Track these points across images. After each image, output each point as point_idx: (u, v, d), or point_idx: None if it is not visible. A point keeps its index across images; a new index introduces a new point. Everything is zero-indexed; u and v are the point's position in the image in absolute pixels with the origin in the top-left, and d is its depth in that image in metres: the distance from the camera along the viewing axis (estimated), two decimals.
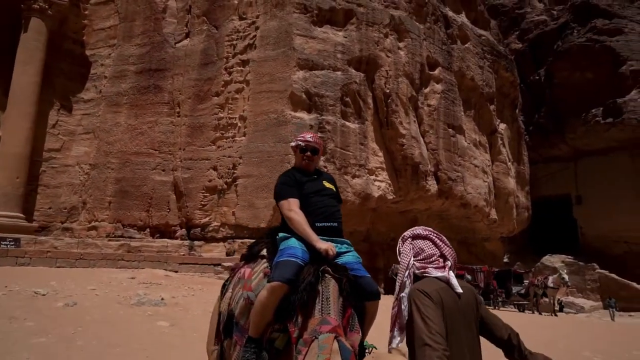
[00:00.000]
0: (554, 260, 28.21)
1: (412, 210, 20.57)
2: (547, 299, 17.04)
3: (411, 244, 2.18)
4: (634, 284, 24.77)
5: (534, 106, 33.74)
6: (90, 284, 10.28)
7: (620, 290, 23.83)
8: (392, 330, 2.08)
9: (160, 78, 18.53)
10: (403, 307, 2.03)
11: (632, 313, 22.16)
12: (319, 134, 15.61)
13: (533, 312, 16.86)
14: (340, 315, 2.27)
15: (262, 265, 2.70)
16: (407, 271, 2.10)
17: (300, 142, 2.82)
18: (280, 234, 2.71)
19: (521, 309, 17.67)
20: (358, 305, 2.41)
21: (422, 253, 2.12)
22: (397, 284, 2.12)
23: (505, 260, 29.51)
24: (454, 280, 2.05)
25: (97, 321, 7.25)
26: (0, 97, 17.37)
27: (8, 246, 14.01)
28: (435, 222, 22.40)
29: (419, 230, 2.21)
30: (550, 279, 17.51)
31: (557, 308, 18.01)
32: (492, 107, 23.26)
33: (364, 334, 2.47)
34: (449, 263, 2.11)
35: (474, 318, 2.07)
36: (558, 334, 10.52)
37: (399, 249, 2.23)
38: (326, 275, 2.39)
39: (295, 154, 2.90)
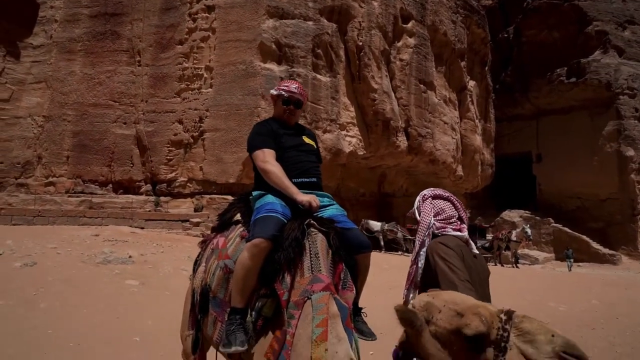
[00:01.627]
0: (512, 215, 29.33)
1: (381, 166, 20.64)
2: (508, 252, 17.76)
3: (432, 203, 2.19)
4: (584, 237, 26.21)
5: (501, 65, 33.95)
6: (50, 243, 9.76)
7: (572, 242, 25.17)
8: (407, 288, 2.12)
9: (117, 23, 17.19)
10: (420, 264, 2.05)
11: (580, 264, 23.55)
12: None
13: (495, 264, 17.57)
14: (331, 272, 2.08)
15: (238, 230, 2.43)
16: (428, 230, 2.10)
17: (283, 92, 2.51)
18: (255, 193, 2.44)
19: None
20: (348, 260, 2.20)
21: (442, 213, 2.15)
22: (417, 242, 2.11)
23: (468, 215, 30.47)
24: (471, 241, 2.14)
25: (60, 281, 6.87)
26: None
27: None
28: (403, 177, 22.67)
29: (439, 191, 2.24)
30: (514, 233, 18.21)
31: (514, 260, 18.84)
32: (462, 63, 23.15)
33: (358, 291, 2.28)
34: (465, 226, 2.17)
35: (486, 279, 2.17)
36: (522, 285, 10.96)
37: (418, 206, 2.22)
38: (312, 229, 2.17)
39: (275, 104, 2.59)
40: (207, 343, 2.49)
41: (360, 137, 17.47)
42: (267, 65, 15.07)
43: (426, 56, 19.84)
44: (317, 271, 2.01)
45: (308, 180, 2.43)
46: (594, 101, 29.26)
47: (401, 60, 18.90)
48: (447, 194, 2.23)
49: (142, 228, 13.99)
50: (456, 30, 22.14)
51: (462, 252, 2.00)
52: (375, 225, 17.40)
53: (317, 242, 2.12)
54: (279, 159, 2.39)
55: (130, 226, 13.85)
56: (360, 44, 17.10)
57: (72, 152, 16.91)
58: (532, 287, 10.77)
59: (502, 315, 1.39)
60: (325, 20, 16.32)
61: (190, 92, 16.09)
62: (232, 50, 15.46)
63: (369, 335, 2.27)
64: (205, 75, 15.98)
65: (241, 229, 2.41)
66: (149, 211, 15.41)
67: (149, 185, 16.48)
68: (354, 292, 2.15)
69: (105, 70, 17.03)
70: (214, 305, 2.28)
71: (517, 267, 17.14)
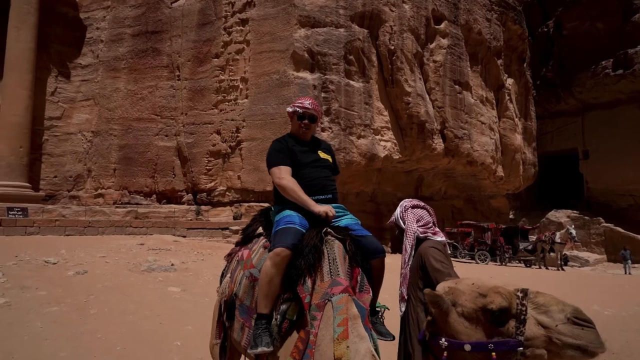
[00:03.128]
0: (559, 215, 28.22)
1: (417, 170, 20.44)
2: (553, 254, 17.13)
3: (412, 212, 2.54)
4: (639, 237, 24.85)
5: (541, 60, 32.85)
6: (99, 252, 10.34)
7: (626, 243, 23.89)
8: (401, 286, 2.43)
9: (158, 40, 18.02)
10: (410, 265, 2.41)
11: (635, 265, 22.32)
12: (323, 94, 15.30)
13: (540, 267, 16.99)
14: (348, 276, 2.21)
15: (261, 241, 2.60)
16: (414, 235, 2.47)
17: (297, 109, 2.62)
18: (274, 207, 2.61)
19: (528, 264, 17.80)
20: (364, 265, 2.34)
21: (421, 220, 2.52)
22: (408, 246, 2.45)
23: (511, 216, 29.59)
24: (447, 245, 2.55)
25: (109, 288, 7.29)
26: None
27: (16, 216, 14.07)
28: (440, 180, 22.33)
29: (415, 201, 2.61)
30: (558, 234, 17.54)
31: (561, 262, 18.14)
32: (499, 61, 22.61)
33: (375, 294, 2.41)
34: (438, 230, 2.54)
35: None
36: (566, 288, 10.59)
37: (401, 216, 2.56)
38: (329, 237, 2.31)
39: (291, 120, 2.69)
40: (235, 352, 2.65)
41: (395, 141, 17.40)
42: (300, 74, 15.33)
43: (460, 56, 19.54)
44: (336, 275, 2.14)
45: (324, 197, 2.55)
46: None
47: (435, 61, 18.71)
48: (422, 204, 2.58)
49: (184, 237, 14.52)
50: (491, 28, 21.67)
51: (445, 252, 2.39)
52: None
53: (335, 248, 2.25)
54: (295, 175, 2.50)
55: (173, 235, 14.41)
56: (392, 47, 17.07)
57: (119, 165, 17.83)
58: (577, 289, 10.38)
59: (518, 293, 1.60)
60: (356, 27, 16.42)
61: (227, 103, 16.59)
62: (266, 61, 15.84)
63: (387, 335, 2.37)
64: (240, 86, 16.44)
65: (264, 240, 2.58)
66: (191, 220, 15.98)
67: (190, 194, 17.09)
68: (371, 294, 2.27)
69: (147, 86, 17.87)
70: (241, 312, 2.44)
71: (562, 269, 16.49)
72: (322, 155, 2.65)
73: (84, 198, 18.07)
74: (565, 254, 19.37)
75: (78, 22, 19.01)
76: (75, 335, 5.14)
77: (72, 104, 18.74)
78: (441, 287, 1.72)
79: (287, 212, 2.44)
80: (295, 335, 2.09)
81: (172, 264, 9.35)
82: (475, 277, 1.73)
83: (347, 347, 1.86)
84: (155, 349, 4.91)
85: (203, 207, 16.52)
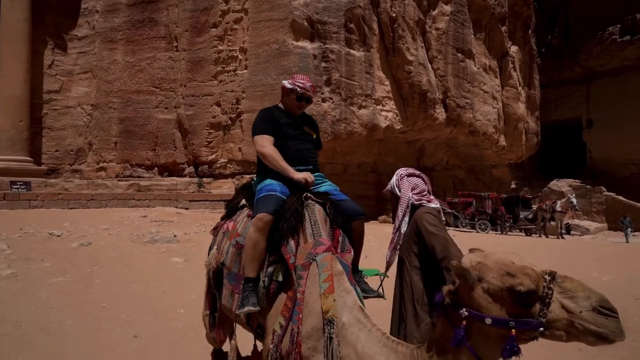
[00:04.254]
0: (561, 184, 28.23)
1: (419, 140, 20.34)
2: (554, 223, 17.23)
3: (407, 180, 2.63)
4: None
5: (546, 27, 32.14)
6: (103, 224, 10.45)
7: (627, 211, 23.95)
8: (389, 250, 2.62)
9: (154, 10, 17.64)
10: (402, 230, 2.53)
11: (635, 233, 22.44)
12: (323, 64, 15.08)
13: (540, 236, 17.12)
14: (330, 237, 2.29)
15: (244, 212, 2.69)
16: (408, 202, 2.56)
17: (298, 88, 2.68)
18: (255, 178, 2.71)
19: (528, 233, 17.93)
20: (345, 227, 2.41)
21: (417, 188, 2.60)
22: (400, 213, 2.56)
23: (513, 186, 29.62)
24: (441, 212, 2.63)
25: (113, 259, 7.41)
26: None
27: (19, 190, 14.16)
28: (442, 151, 22.25)
29: (411, 170, 2.69)
30: (559, 203, 17.59)
31: (563, 231, 18.24)
32: (503, 28, 22.13)
33: (357, 254, 2.49)
34: (433, 197, 2.64)
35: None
36: (565, 255, 10.69)
37: (396, 184, 2.65)
38: (309, 201, 2.40)
39: (286, 95, 2.74)
40: (226, 320, 2.74)
41: (396, 111, 17.25)
42: (300, 44, 15.07)
43: (464, 23, 19.12)
44: (318, 236, 2.22)
45: (305, 167, 2.64)
46: None
47: (437, 29, 18.33)
48: (417, 172, 2.67)
49: (187, 209, 14.62)
50: None
51: (440, 219, 2.49)
52: None
53: (315, 211, 2.34)
54: (280, 146, 2.58)
55: (176, 207, 14.50)
56: (394, 15, 16.70)
57: (120, 138, 17.78)
58: (576, 257, 10.48)
59: (546, 276, 1.61)
60: None
61: (226, 74, 16.39)
62: (265, 30, 15.54)
63: (370, 292, 2.44)
64: (240, 56, 16.20)
65: (247, 210, 2.67)
66: (193, 192, 16.05)
67: (191, 167, 17.11)
68: (352, 253, 2.36)
69: (145, 57, 17.61)
70: (229, 279, 2.52)
71: (563, 238, 16.61)
72: (306, 130, 2.74)
73: (86, 172, 18.12)
74: (567, 223, 19.46)
75: None
76: (80, 304, 5.26)
77: (70, 77, 18.54)
78: (468, 260, 1.72)
79: (268, 181, 2.53)
80: (283, 295, 2.15)
81: (175, 236, 9.45)
82: (502, 253, 1.74)
83: (334, 300, 1.93)
84: (160, 316, 5.02)
85: (205, 180, 16.56)
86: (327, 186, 2.65)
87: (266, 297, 2.24)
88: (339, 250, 2.27)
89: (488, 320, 1.61)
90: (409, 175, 2.65)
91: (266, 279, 2.26)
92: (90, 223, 10.49)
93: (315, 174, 2.67)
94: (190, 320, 4.81)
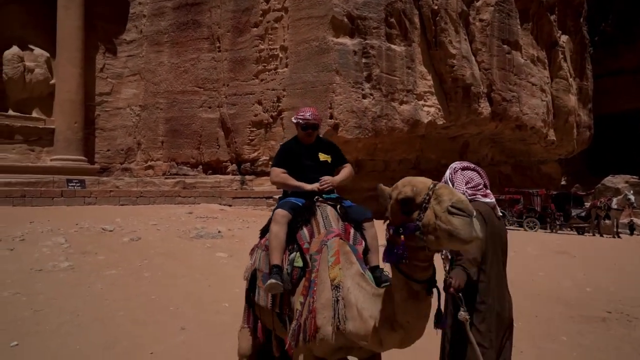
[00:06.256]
0: (616, 180, 26.64)
1: (462, 135, 19.81)
2: (609, 221, 16.31)
3: (462, 174, 2.59)
4: None
5: (599, 14, 30.47)
6: (151, 220, 10.86)
7: None
8: None
9: (198, 12, 18.12)
10: None
11: None
12: (363, 60, 14.96)
13: (594, 235, 16.26)
14: (342, 231, 2.61)
15: None
16: None
17: (300, 121, 3.06)
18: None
19: (581, 231, 17.08)
20: (357, 227, 2.71)
21: (471, 182, 2.56)
22: None
23: (563, 183, 28.32)
24: (497, 206, 2.60)
25: (160, 254, 7.68)
26: (49, 46, 17.70)
27: (75, 187, 14.95)
28: (487, 146, 21.59)
29: (466, 163, 2.66)
30: (614, 200, 16.63)
31: (627, 230, 17.25)
32: (552, 17, 21.16)
33: (374, 251, 2.67)
34: (489, 192, 2.59)
35: (504, 242, 2.58)
36: (622, 255, 10.12)
37: (450, 178, 2.59)
38: (321, 203, 2.78)
39: (296, 128, 3.13)
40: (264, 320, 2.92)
41: (439, 106, 16.87)
42: (340, 40, 15.01)
43: (509, 13, 18.42)
44: (329, 227, 2.58)
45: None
46: None
47: (481, 20, 17.76)
48: (472, 165, 2.64)
49: (230, 205, 14.95)
50: None
51: (489, 216, 2.44)
52: None
53: (327, 210, 2.72)
54: (297, 173, 2.97)
55: (219, 204, 14.87)
56: (436, 7, 16.33)
57: (166, 138, 18.41)
58: (633, 258, 9.89)
59: (430, 186, 1.76)
60: None
61: (267, 73, 16.59)
62: (304, 28, 15.60)
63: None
64: (280, 55, 16.35)
65: None
66: (235, 189, 16.38)
67: (234, 165, 17.46)
68: (363, 245, 2.63)
69: (190, 59, 18.13)
70: (263, 280, 2.73)
71: (619, 237, 15.70)
72: (322, 157, 3.08)
73: (135, 170, 18.90)
74: (631, 220, 18.36)
75: None
76: (131, 296, 5.48)
77: (120, 80, 19.38)
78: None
79: (287, 199, 2.94)
80: (303, 279, 2.46)
81: (219, 231, 9.68)
82: (420, 177, 1.90)
83: (340, 269, 2.22)
84: (206, 310, 5.15)
85: (247, 177, 16.86)
86: (336, 196, 2.97)
87: (290, 283, 2.50)
88: (350, 242, 2.55)
89: (390, 231, 1.82)
90: (464, 168, 2.61)
91: (288, 266, 2.55)
92: (140, 219, 10.93)
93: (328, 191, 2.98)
94: (235, 314, 4.89)
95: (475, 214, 1.65)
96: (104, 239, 8.44)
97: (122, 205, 14.30)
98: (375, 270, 2.57)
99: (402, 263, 1.80)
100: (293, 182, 2.93)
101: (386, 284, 2.47)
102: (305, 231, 2.60)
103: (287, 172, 2.98)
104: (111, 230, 9.23)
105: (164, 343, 4.18)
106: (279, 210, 2.70)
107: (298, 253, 2.55)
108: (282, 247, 2.62)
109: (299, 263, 2.51)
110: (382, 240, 2.56)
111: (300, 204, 2.77)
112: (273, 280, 2.44)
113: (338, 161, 3.13)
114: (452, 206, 1.64)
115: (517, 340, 3.98)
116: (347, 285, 2.17)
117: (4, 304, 4.95)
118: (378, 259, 2.63)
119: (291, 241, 2.63)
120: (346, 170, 3.08)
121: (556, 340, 4.73)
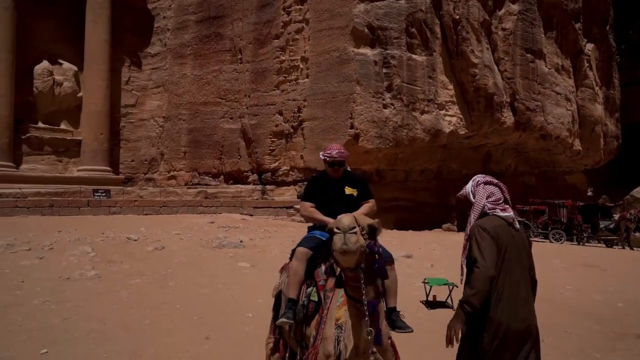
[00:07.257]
0: None
1: (485, 145, 19.53)
2: (639, 234, 15.78)
3: (484, 188, 2.62)
4: None
5: (626, 21, 29.86)
6: (174, 229, 10.98)
7: None
8: (462, 256, 2.61)
9: (220, 25, 18.47)
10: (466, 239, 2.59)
11: None
12: (384, 70, 14.97)
13: (623, 247, 15.75)
14: None
15: None
16: (481, 210, 2.56)
17: (327, 158, 3.27)
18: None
19: (609, 244, 16.56)
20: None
21: (492, 196, 2.59)
22: (472, 219, 2.58)
23: (589, 194, 27.61)
24: (515, 219, 2.59)
25: (184, 263, 7.74)
26: (77, 59, 18.25)
27: (100, 197, 15.27)
28: (510, 156, 21.23)
29: (488, 178, 2.70)
30: None
31: None
32: (577, 25, 20.81)
33: (393, 294, 2.80)
34: (509, 207, 2.62)
35: (526, 254, 2.56)
36: None
37: (472, 190, 2.65)
38: None
39: (324, 164, 3.32)
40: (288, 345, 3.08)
41: (460, 116, 16.71)
42: (361, 50, 15.07)
43: (533, 22, 18.21)
44: None
45: None
46: None
47: (504, 29, 17.59)
48: (495, 181, 2.67)
49: (251, 215, 15.03)
50: None
51: (498, 232, 2.43)
52: None
53: None
54: (325, 209, 3.11)
55: (241, 213, 14.95)
56: (457, 17, 16.26)
57: (188, 148, 18.71)
58: None
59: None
60: None
61: (288, 83, 16.74)
62: (325, 39, 15.72)
63: (405, 328, 2.75)
64: (301, 66, 16.48)
65: None
66: (257, 199, 16.48)
67: (255, 175, 17.59)
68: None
69: (212, 70, 18.45)
70: (285, 302, 2.95)
71: None
72: (347, 190, 3.25)
73: (158, 180, 19.22)
74: None
75: (146, 13, 19.92)
76: (156, 304, 5.53)
77: (144, 92, 19.83)
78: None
79: (313, 230, 3.17)
80: (317, 315, 2.64)
81: (241, 241, 9.72)
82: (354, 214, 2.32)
83: (345, 310, 2.40)
84: (229, 319, 5.16)
85: (268, 187, 16.95)
86: None
87: (305, 315, 2.71)
88: None
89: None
90: (486, 183, 2.65)
91: (305, 299, 2.76)
92: (163, 228, 11.07)
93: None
94: (258, 324, 4.88)
95: (350, 230, 2.08)
96: (129, 248, 8.56)
97: (145, 214, 14.52)
98: (392, 312, 2.74)
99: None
100: (319, 216, 3.11)
101: (401, 330, 2.72)
102: (322, 268, 2.78)
103: (314, 205, 3.19)
104: (136, 240, 9.36)
105: (189, 352, 4.19)
106: (300, 248, 2.93)
107: (315, 288, 2.75)
108: (300, 283, 2.85)
109: (315, 298, 2.72)
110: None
111: (324, 239, 2.90)
112: (284, 319, 2.73)
113: (364, 195, 3.30)
114: (335, 227, 2.06)
115: (547, 357, 3.86)
116: (349, 327, 2.34)
117: (34, 311, 5.05)
118: (395, 301, 2.82)
119: (309, 276, 2.84)
120: (368, 205, 3.21)
121: (589, 357, 4.57)
